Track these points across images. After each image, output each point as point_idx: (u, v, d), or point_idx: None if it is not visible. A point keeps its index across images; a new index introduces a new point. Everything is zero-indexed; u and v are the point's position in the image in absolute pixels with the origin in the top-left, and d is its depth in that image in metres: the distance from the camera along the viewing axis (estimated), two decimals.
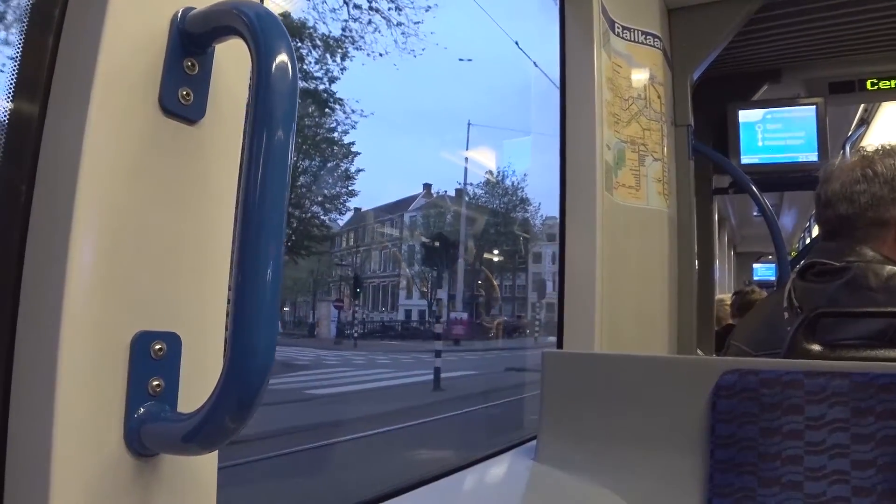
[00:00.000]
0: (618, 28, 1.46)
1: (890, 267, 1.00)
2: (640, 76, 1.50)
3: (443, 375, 11.28)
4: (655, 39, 1.54)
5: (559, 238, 1.33)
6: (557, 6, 1.35)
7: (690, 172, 1.65)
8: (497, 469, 1.02)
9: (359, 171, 21.06)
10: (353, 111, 18.77)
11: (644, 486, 0.90)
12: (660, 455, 0.90)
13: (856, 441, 0.81)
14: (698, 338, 1.69)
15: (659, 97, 1.52)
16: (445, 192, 33.30)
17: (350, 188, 20.94)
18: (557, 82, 1.38)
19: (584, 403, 0.96)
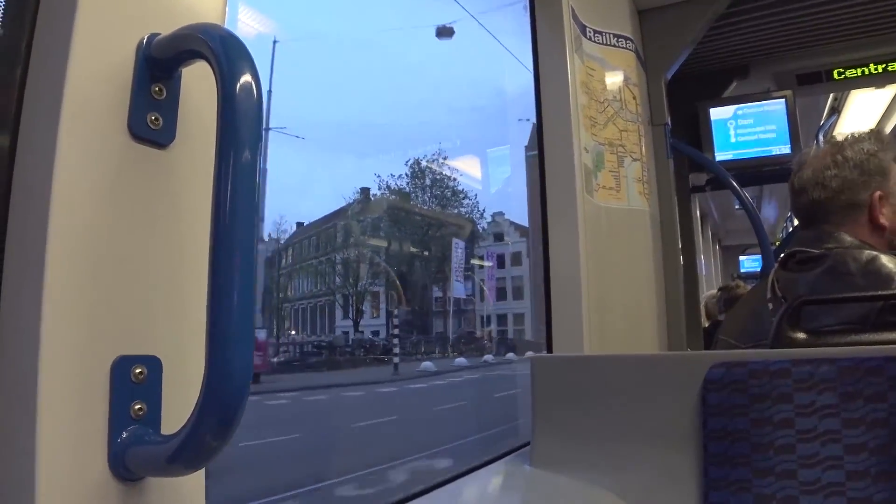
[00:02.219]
0: (589, 32, 1.47)
1: (868, 251, 1.01)
2: (614, 78, 1.51)
3: None
4: (627, 41, 1.56)
5: (542, 243, 1.34)
6: (528, 14, 1.37)
7: (670, 170, 1.66)
8: (493, 476, 1.02)
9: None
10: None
11: (640, 484, 0.90)
12: (654, 452, 0.90)
13: (846, 426, 0.81)
14: (687, 334, 1.70)
15: (634, 98, 1.54)
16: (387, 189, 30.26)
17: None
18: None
19: (575, 406, 0.96)
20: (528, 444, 1.03)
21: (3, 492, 0.45)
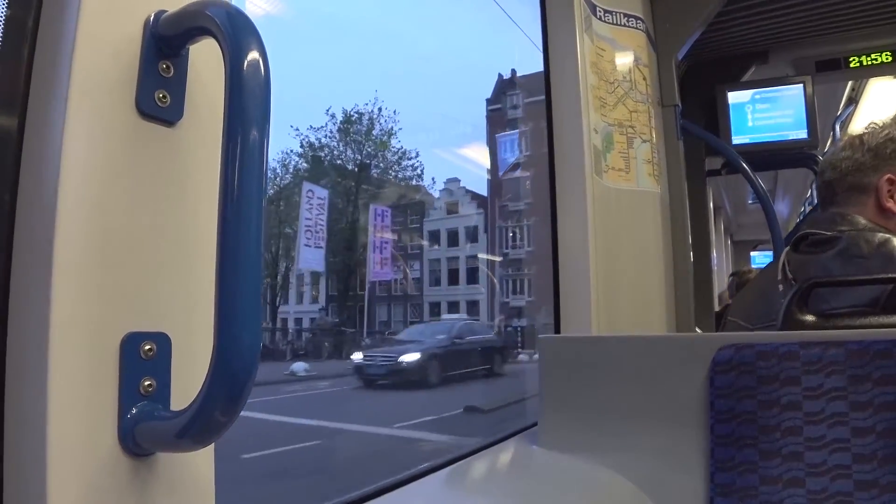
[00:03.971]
0: (599, 12, 1.46)
1: (881, 234, 1.00)
2: (624, 59, 1.50)
3: None
4: (638, 21, 1.54)
5: (551, 225, 1.34)
6: None
7: (680, 152, 1.65)
8: (500, 456, 1.03)
9: None
10: None
11: (647, 465, 0.90)
12: (661, 433, 0.90)
13: (854, 409, 0.81)
14: (698, 319, 1.70)
15: (644, 79, 1.52)
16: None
17: None
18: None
19: (583, 386, 0.96)
20: (535, 424, 1.04)
21: (15, 467, 0.46)
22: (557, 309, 1.30)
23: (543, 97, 1.40)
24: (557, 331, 1.31)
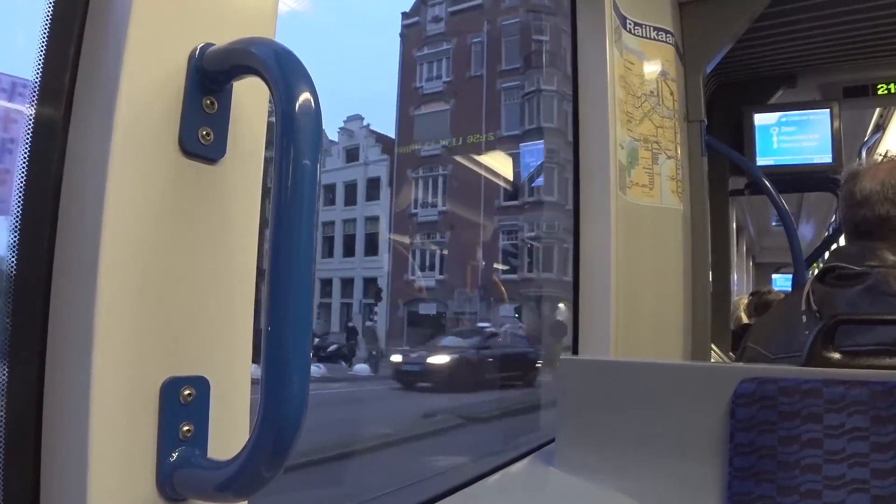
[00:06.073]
0: (629, 24, 1.43)
1: None
2: (652, 73, 1.48)
3: None
4: (667, 35, 1.52)
5: (573, 241, 1.33)
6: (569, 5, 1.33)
7: (704, 169, 1.64)
8: (517, 475, 1.03)
9: None
10: None
11: (663, 493, 0.90)
12: (679, 462, 0.90)
13: (875, 450, 0.81)
14: (714, 336, 1.69)
15: (671, 93, 1.50)
16: None
17: None
18: None
19: (601, 410, 0.96)
20: (551, 441, 1.04)
21: None
22: (577, 326, 1.30)
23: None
24: (575, 350, 1.30)
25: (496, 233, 20.61)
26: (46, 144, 0.49)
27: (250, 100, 0.55)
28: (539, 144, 20.11)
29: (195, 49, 0.51)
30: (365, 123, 22.84)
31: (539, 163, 20.50)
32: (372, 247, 21.74)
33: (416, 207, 21.56)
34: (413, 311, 20.80)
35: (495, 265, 20.75)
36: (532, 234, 19.97)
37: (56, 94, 0.50)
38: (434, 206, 21.43)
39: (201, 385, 0.50)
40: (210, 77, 0.51)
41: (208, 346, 0.51)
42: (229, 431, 0.51)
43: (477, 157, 21.10)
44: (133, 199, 0.47)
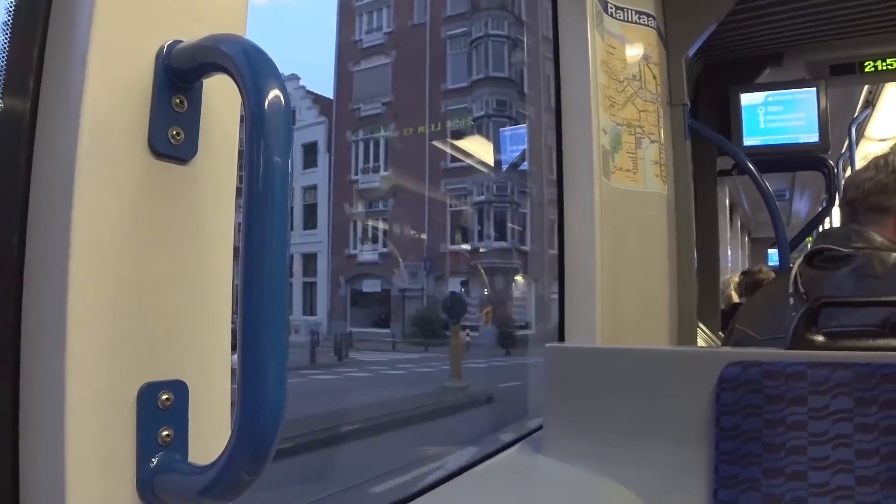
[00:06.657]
0: (611, 8, 1.42)
1: None
2: (634, 57, 1.47)
3: None
4: (649, 18, 1.51)
5: (557, 228, 1.32)
6: None
7: (688, 152, 1.64)
8: (505, 464, 1.04)
9: None
10: None
11: (650, 478, 0.91)
12: (665, 447, 0.91)
13: (859, 431, 0.82)
14: (703, 317, 1.70)
15: (654, 77, 1.50)
16: None
17: None
18: None
19: (589, 396, 0.97)
20: (539, 428, 1.05)
21: None
22: (562, 313, 1.30)
23: None
24: (561, 337, 1.31)
25: (443, 199, 19.22)
26: (12, 149, 0.48)
27: (221, 98, 0.54)
28: (489, 95, 18.61)
29: (163, 47, 0.50)
30: (300, 84, 21.46)
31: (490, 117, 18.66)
32: (311, 219, 20.08)
33: (355, 173, 20.05)
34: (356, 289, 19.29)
35: (443, 236, 19.15)
36: (481, 198, 18.46)
37: (21, 98, 0.49)
38: (375, 170, 19.89)
39: (180, 389, 0.49)
40: (179, 75, 0.50)
41: (185, 349, 0.50)
42: (210, 435, 0.50)
43: (423, 115, 19.31)
44: (103, 202, 0.46)
